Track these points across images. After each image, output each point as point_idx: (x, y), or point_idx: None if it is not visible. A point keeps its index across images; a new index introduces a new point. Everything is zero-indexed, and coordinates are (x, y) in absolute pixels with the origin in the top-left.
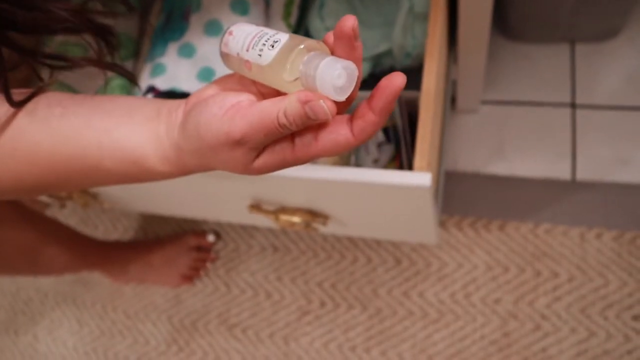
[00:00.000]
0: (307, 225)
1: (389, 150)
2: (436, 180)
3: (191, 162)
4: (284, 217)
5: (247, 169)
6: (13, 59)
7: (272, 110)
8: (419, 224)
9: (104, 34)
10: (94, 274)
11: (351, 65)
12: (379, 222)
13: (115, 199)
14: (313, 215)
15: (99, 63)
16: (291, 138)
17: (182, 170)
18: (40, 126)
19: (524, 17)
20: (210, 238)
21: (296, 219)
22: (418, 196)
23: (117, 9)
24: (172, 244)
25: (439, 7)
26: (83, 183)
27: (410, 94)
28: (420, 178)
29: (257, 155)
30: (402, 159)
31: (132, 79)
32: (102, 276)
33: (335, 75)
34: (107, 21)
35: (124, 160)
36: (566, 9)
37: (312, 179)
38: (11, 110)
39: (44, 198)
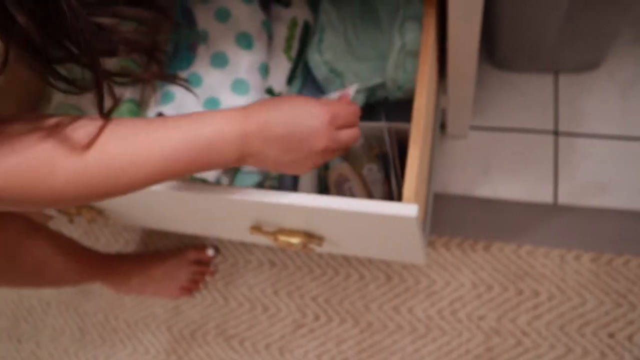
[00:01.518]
0: (304, 246)
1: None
2: (424, 207)
3: (260, 118)
4: (283, 238)
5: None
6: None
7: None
8: (408, 247)
9: (151, 51)
10: (95, 284)
11: None
12: (371, 244)
13: (119, 215)
14: (309, 236)
15: (160, 75)
16: None
17: (245, 131)
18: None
19: (511, 48)
20: (210, 252)
21: (294, 240)
22: (405, 225)
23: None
24: (172, 257)
25: (428, 48)
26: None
27: (401, 125)
28: (407, 209)
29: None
30: (391, 187)
31: (188, 89)
32: (104, 287)
33: None
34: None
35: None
36: (551, 42)
37: (308, 207)
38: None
39: (50, 211)
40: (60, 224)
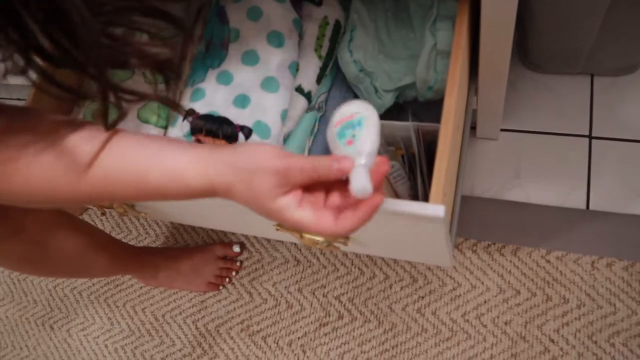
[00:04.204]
0: (329, 244)
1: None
2: (451, 208)
3: (224, 178)
4: (308, 236)
5: (270, 200)
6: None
7: (312, 160)
8: (434, 249)
9: (163, 69)
10: (126, 276)
11: (366, 191)
12: (397, 245)
13: (150, 210)
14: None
15: (164, 99)
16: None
17: (210, 183)
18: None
19: (546, 51)
20: (236, 249)
21: (319, 238)
22: (432, 226)
23: (164, 33)
24: (200, 252)
25: (459, 48)
26: (140, 199)
27: (430, 126)
28: (434, 209)
29: (285, 193)
30: (417, 186)
31: (180, 112)
32: (134, 279)
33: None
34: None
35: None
36: (587, 46)
37: None
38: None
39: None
40: (94, 216)
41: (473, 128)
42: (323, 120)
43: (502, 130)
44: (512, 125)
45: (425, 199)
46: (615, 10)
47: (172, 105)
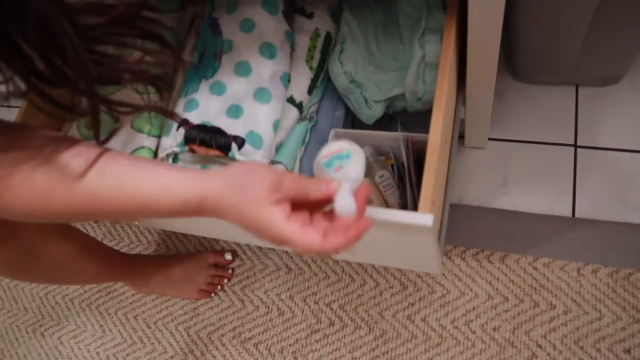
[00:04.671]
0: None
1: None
2: (440, 216)
3: (214, 188)
4: None
5: (261, 207)
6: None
7: (302, 177)
8: (423, 257)
9: (156, 82)
10: (117, 284)
11: (351, 210)
12: (387, 253)
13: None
14: None
15: (158, 108)
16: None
17: (199, 196)
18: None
19: (532, 61)
20: (228, 256)
21: None
22: (421, 235)
23: (151, 45)
24: (192, 260)
25: (447, 61)
26: (129, 215)
27: (419, 136)
28: (423, 218)
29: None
30: (406, 195)
31: (175, 120)
32: (126, 286)
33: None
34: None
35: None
36: (572, 57)
37: None
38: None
39: None
40: (86, 224)
41: (461, 137)
42: (314, 130)
43: (490, 139)
44: (500, 134)
45: (415, 207)
46: (598, 22)
47: (166, 113)
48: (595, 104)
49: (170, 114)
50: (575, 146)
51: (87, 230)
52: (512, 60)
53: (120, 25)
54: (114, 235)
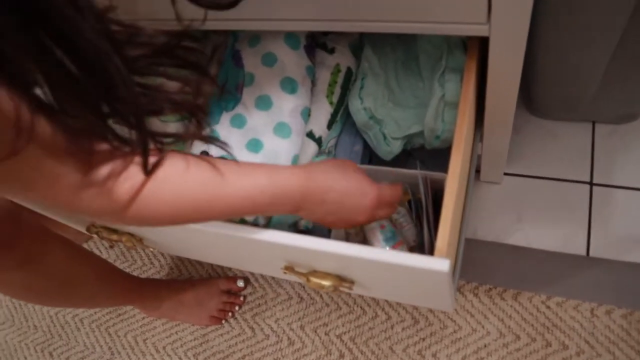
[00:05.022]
0: (335, 288)
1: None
2: (455, 254)
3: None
4: (315, 280)
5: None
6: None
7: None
8: (437, 296)
9: (195, 111)
10: (128, 306)
11: None
12: (401, 291)
13: (158, 244)
14: (341, 280)
15: (200, 136)
16: None
17: (307, 183)
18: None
19: (549, 97)
20: (240, 283)
21: (326, 282)
22: (436, 279)
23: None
24: (203, 285)
25: (467, 103)
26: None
27: (437, 175)
28: (439, 264)
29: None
30: (423, 233)
31: (225, 149)
32: (136, 309)
33: None
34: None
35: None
36: (589, 94)
37: (340, 255)
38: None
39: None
40: (100, 245)
41: (477, 171)
42: None
43: (506, 174)
44: (516, 169)
45: (431, 246)
46: (617, 61)
47: (207, 140)
48: (612, 142)
49: (211, 140)
50: (591, 184)
51: (100, 252)
52: (529, 96)
53: (162, 55)
54: (127, 257)
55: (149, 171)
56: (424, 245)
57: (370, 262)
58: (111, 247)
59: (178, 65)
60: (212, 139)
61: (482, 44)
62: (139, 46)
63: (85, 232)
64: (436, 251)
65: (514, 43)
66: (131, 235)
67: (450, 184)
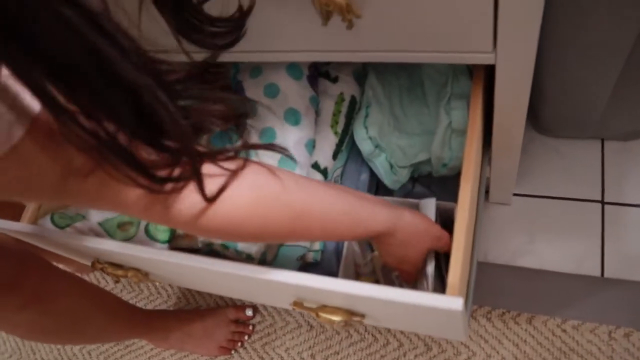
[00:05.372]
0: (346, 323)
1: None
2: (467, 279)
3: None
4: (324, 315)
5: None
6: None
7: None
8: (450, 330)
9: (240, 122)
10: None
11: None
12: (412, 324)
13: (164, 279)
14: (351, 314)
15: (256, 145)
16: None
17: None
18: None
19: (557, 115)
20: (249, 312)
21: (336, 317)
22: (450, 316)
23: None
24: (212, 315)
25: (475, 131)
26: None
27: (445, 204)
28: (452, 302)
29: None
30: (441, 267)
31: (286, 154)
32: (144, 340)
33: None
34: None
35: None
36: (599, 111)
37: (353, 295)
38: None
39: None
40: (107, 276)
41: (486, 192)
42: None
43: (515, 195)
44: (525, 190)
45: (441, 280)
46: (625, 78)
47: (255, 147)
48: (622, 159)
49: (259, 146)
50: (603, 202)
51: (106, 282)
52: (535, 114)
53: (194, 79)
54: (134, 287)
55: (211, 198)
56: (443, 280)
57: (383, 301)
58: (117, 282)
59: (210, 88)
60: (272, 146)
61: (488, 68)
62: (172, 72)
63: (90, 267)
64: (448, 288)
65: (521, 70)
66: (137, 270)
67: (460, 217)
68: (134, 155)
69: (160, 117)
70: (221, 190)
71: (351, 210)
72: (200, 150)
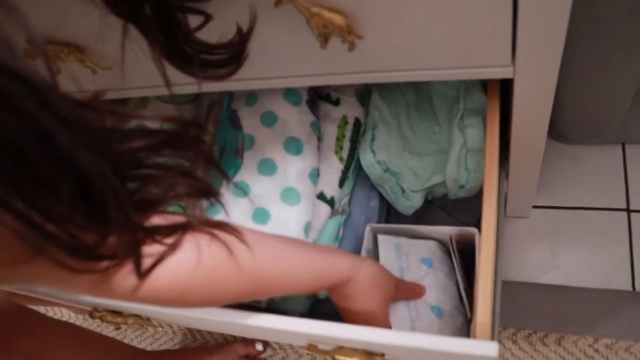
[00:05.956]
0: None
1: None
2: (492, 302)
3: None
4: (341, 358)
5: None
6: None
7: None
8: None
9: (208, 194)
10: None
11: None
12: None
13: (168, 322)
14: (370, 354)
15: (206, 222)
16: None
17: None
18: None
19: (574, 122)
20: (259, 346)
21: None
22: None
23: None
24: (220, 352)
25: (493, 149)
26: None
27: (464, 230)
28: (487, 348)
29: None
30: (461, 296)
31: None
32: None
33: None
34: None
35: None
36: (619, 116)
37: (373, 343)
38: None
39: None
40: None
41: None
42: (348, 223)
43: (534, 207)
44: (543, 201)
45: (465, 315)
46: None
47: (211, 224)
48: None
49: (217, 225)
50: (628, 210)
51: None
52: (551, 121)
53: (166, 146)
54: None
55: (142, 273)
56: (465, 307)
57: (408, 349)
58: (117, 329)
59: (180, 156)
60: (219, 224)
61: (503, 81)
62: (144, 137)
63: (89, 317)
64: (478, 329)
65: (544, 83)
66: (137, 316)
67: (485, 246)
68: (74, 238)
69: (105, 196)
70: (155, 264)
71: (312, 266)
72: (142, 226)
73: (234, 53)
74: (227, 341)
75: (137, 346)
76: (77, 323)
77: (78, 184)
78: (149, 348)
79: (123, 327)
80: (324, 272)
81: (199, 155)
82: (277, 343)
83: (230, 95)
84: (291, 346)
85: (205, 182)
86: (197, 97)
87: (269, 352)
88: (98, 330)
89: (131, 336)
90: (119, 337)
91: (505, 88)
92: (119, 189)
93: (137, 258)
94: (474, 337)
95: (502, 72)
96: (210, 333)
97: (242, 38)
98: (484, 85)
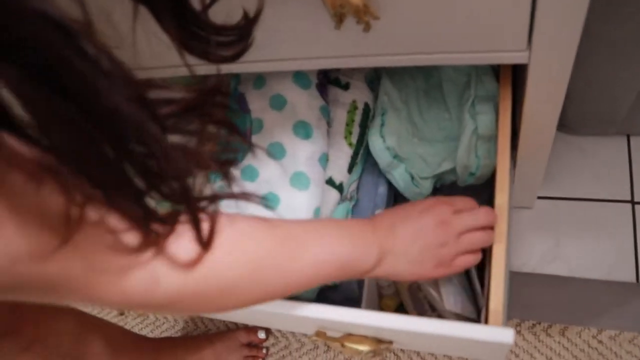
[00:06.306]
0: (375, 354)
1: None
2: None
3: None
4: (350, 345)
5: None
6: None
7: None
8: (490, 356)
9: (225, 169)
10: None
11: None
12: (446, 350)
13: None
14: (379, 342)
15: (239, 195)
16: None
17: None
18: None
19: (581, 112)
20: (262, 335)
21: (362, 347)
22: (496, 348)
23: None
24: (222, 340)
25: (505, 136)
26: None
27: None
28: (502, 335)
29: None
30: (474, 289)
31: (264, 205)
32: None
33: None
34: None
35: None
36: (625, 107)
37: (385, 328)
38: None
39: None
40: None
41: None
42: (355, 210)
43: (538, 197)
44: (547, 192)
45: (476, 306)
46: None
47: (242, 196)
48: None
49: (249, 197)
50: (633, 202)
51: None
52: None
53: (192, 113)
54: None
55: (205, 243)
56: (478, 303)
57: (421, 334)
58: (120, 314)
59: (207, 122)
60: (252, 196)
61: (515, 67)
62: (169, 104)
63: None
64: (491, 316)
65: (559, 69)
66: None
67: (499, 235)
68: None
69: (154, 155)
70: (212, 232)
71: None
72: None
73: (240, 36)
74: (229, 329)
75: (139, 333)
76: (80, 308)
77: (126, 147)
78: (150, 335)
79: (125, 313)
80: (350, 266)
81: (222, 122)
82: (279, 331)
83: (237, 77)
84: (293, 334)
85: (231, 148)
86: (203, 80)
87: (271, 340)
88: (100, 316)
89: (132, 323)
90: (120, 324)
91: (515, 75)
92: (168, 150)
93: (197, 225)
94: (487, 324)
95: (516, 57)
96: (212, 321)
97: (249, 21)
98: (495, 71)
